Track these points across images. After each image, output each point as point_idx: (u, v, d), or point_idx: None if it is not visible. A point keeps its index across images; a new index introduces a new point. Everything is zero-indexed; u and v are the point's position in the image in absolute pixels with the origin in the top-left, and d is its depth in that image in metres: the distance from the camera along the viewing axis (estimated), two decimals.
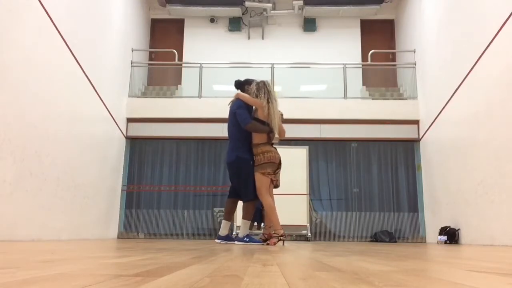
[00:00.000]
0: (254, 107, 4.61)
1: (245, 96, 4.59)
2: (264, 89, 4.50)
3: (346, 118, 8.50)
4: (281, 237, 4.35)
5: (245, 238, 4.56)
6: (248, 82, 4.80)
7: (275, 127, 4.39)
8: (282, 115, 4.74)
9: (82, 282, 0.96)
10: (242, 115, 4.47)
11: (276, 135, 4.52)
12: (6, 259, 1.75)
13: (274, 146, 4.58)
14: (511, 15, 5.09)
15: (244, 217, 4.65)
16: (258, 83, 4.59)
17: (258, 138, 4.47)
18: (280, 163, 4.51)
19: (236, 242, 4.61)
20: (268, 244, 4.35)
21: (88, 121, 6.62)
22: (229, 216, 4.82)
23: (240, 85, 4.81)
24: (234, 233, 4.60)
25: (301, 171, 7.91)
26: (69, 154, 5.86)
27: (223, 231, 4.74)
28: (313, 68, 10.00)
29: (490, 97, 5.61)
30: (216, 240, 4.81)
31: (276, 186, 4.60)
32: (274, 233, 4.41)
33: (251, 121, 4.44)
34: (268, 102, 4.43)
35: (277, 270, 1.36)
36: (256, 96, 4.51)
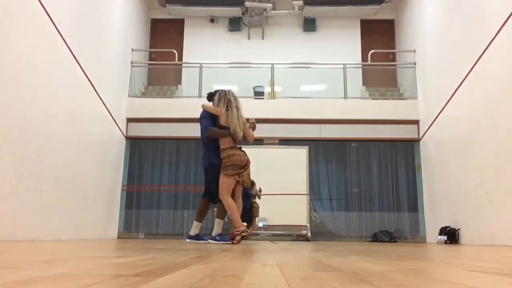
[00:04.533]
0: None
1: (207, 106, 4.97)
2: (224, 98, 4.81)
3: (346, 118, 8.50)
4: (242, 233, 4.58)
5: (217, 237, 4.82)
6: (210, 97, 5.13)
7: (235, 130, 4.67)
8: (253, 123, 5.11)
9: (82, 282, 0.96)
10: (202, 124, 4.84)
11: (241, 138, 4.83)
12: (6, 259, 1.75)
13: (242, 149, 4.84)
14: (511, 15, 5.10)
15: (217, 216, 5.00)
16: (220, 93, 4.92)
17: (223, 143, 4.73)
18: (246, 165, 4.73)
19: (209, 240, 4.87)
20: (232, 243, 4.56)
21: (88, 121, 6.62)
22: (201, 218, 5.13)
23: (212, 96, 5.09)
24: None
25: (301, 171, 7.91)
26: (69, 154, 5.86)
27: (193, 231, 5.05)
28: (313, 68, 10.00)
29: (490, 97, 5.61)
30: (186, 240, 5.12)
31: (243, 186, 4.94)
32: (236, 231, 4.63)
33: (210, 128, 4.75)
34: (227, 110, 4.73)
35: (277, 270, 1.36)
36: (217, 105, 4.84)
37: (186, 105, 8.66)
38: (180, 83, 9.88)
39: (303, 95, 9.43)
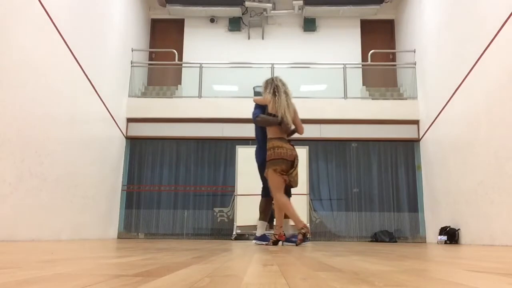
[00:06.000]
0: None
1: (256, 98, 4.83)
2: (271, 84, 4.57)
3: (346, 118, 8.50)
4: (305, 233, 4.25)
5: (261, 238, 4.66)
6: (259, 92, 5.00)
7: (284, 116, 4.35)
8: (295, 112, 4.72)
9: (82, 282, 0.96)
10: (253, 114, 4.64)
11: (292, 128, 4.55)
12: (6, 259, 1.75)
13: (291, 143, 4.48)
14: (511, 16, 5.10)
15: (260, 218, 4.78)
16: (267, 80, 4.71)
17: (270, 132, 4.44)
18: (294, 162, 4.36)
19: (254, 241, 4.70)
20: (282, 244, 4.32)
21: (88, 121, 6.62)
22: (265, 216, 4.83)
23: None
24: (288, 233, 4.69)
25: (301, 171, 7.87)
26: (69, 154, 5.86)
27: (259, 231, 4.76)
28: (313, 68, 10.00)
29: (489, 97, 5.61)
30: (253, 241, 4.80)
31: (291, 185, 4.49)
32: (275, 234, 4.39)
33: (258, 115, 4.50)
34: (274, 96, 4.46)
35: (277, 270, 1.36)
36: (264, 93, 4.62)
37: (186, 105, 8.67)
38: (180, 83, 9.88)
39: (303, 95, 9.42)
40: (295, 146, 4.53)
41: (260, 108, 4.60)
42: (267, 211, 4.85)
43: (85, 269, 1.31)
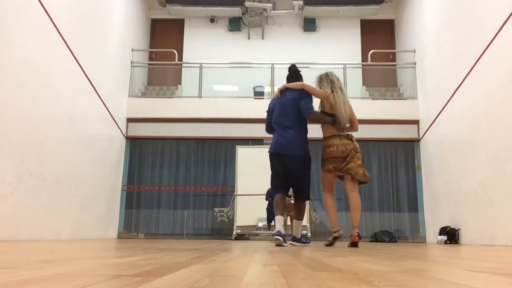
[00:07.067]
0: (320, 100, 4.39)
1: (312, 88, 4.34)
2: (326, 79, 4.32)
3: None
4: (335, 234, 4.18)
5: (302, 239, 4.52)
6: (300, 75, 4.57)
7: (341, 116, 4.17)
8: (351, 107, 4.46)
9: (82, 282, 0.96)
10: (307, 104, 4.23)
11: (347, 125, 4.35)
12: (6, 259, 1.75)
13: (349, 137, 4.26)
14: (511, 16, 5.10)
15: (297, 218, 4.59)
16: (320, 75, 4.40)
17: (326, 131, 4.28)
18: (347, 156, 4.17)
19: (293, 242, 4.47)
20: (326, 245, 4.20)
21: (88, 121, 6.62)
22: (282, 212, 4.61)
23: (295, 73, 4.54)
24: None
25: None
26: (69, 154, 5.86)
27: (298, 233, 4.58)
28: (313, 68, 9.98)
29: (489, 97, 5.61)
30: (291, 242, 4.53)
31: (361, 181, 4.32)
32: (333, 232, 4.24)
33: (314, 112, 4.24)
34: (332, 91, 4.24)
35: (277, 270, 1.36)
36: (319, 88, 4.33)
37: (186, 105, 8.67)
38: (180, 83, 9.89)
39: None
40: None
41: (311, 99, 4.27)
42: (298, 211, 4.66)
43: (85, 269, 1.31)
